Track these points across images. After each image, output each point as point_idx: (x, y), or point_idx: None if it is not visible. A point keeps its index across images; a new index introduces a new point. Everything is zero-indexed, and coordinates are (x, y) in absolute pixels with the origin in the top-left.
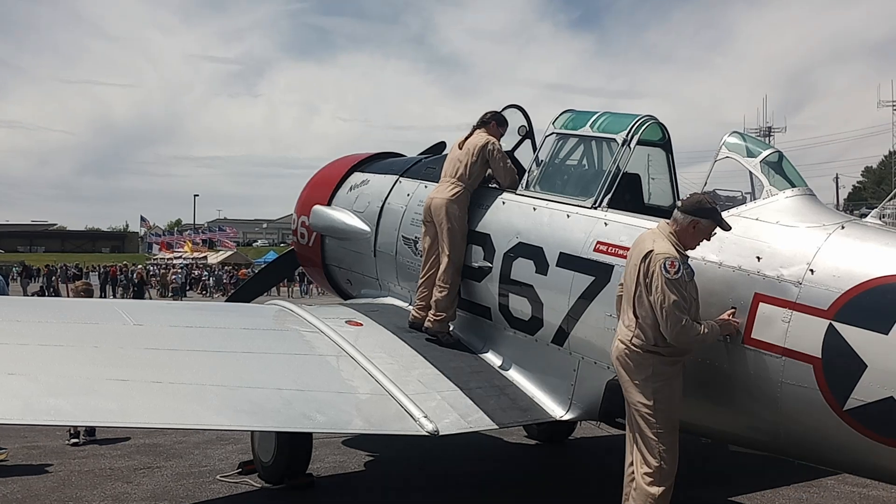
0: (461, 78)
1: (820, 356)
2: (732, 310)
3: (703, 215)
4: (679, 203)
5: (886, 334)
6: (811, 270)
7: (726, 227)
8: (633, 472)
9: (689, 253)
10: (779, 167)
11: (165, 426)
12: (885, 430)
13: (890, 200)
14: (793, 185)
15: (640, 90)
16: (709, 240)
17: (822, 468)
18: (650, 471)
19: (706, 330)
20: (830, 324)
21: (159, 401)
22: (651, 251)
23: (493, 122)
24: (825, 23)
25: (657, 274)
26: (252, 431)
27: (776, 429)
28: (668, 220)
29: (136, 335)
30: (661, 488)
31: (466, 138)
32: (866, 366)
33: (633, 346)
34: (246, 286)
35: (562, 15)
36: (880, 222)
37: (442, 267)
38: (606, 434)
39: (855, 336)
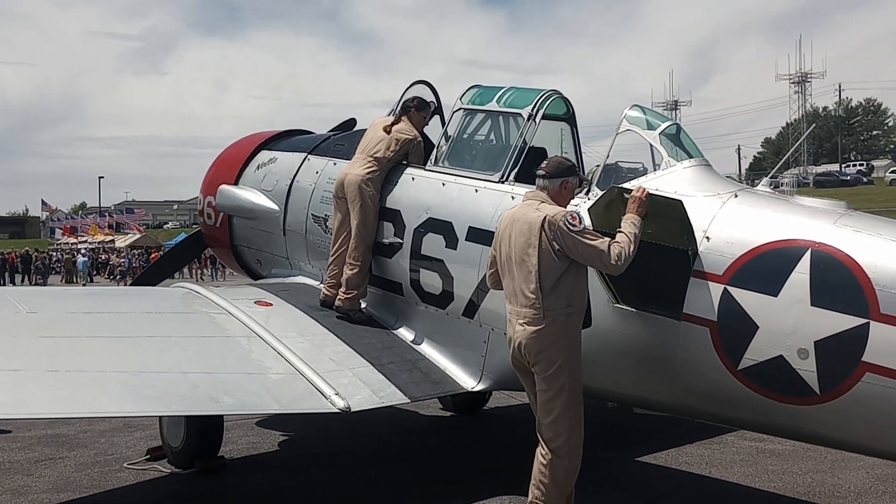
0: (375, 55)
1: (716, 319)
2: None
3: (570, 173)
4: (542, 172)
5: (776, 296)
6: (707, 238)
7: (585, 180)
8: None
9: None
10: (677, 139)
11: (63, 416)
12: (775, 386)
13: (786, 170)
14: (690, 156)
15: (553, 66)
16: (573, 197)
17: (721, 426)
18: (561, 444)
19: (633, 236)
20: (725, 288)
21: (56, 390)
22: (545, 217)
23: (413, 109)
24: None
25: (565, 233)
26: (160, 417)
27: (677, 390)
28: (531, 193)
29: (29, 323)
30: (577, 458)
31: (394, 123)
32: (758, 327)
33: (546, 321)
34: (151, 269)
35: None
36: (771, 190)
37: (353, 244)
38: (519, 403)
39: (747, 299)
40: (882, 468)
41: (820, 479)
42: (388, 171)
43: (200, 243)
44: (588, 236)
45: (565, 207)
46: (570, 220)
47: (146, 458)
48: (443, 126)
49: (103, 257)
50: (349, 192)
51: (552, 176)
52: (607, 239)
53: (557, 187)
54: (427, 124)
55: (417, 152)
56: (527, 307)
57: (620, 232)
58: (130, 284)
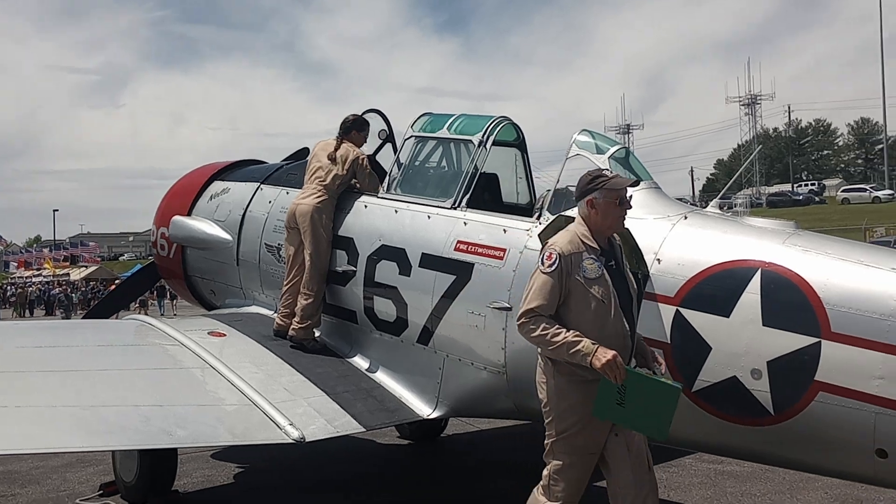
0: (331, 84)
1: (669, 341)
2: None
3: (590, 190)
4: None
5: (728, 317)
6: (658, 260)
7: (629, 183)
8: None
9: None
10: (626, 162)
11: (14, 452)
12: (730, 408)
13: (740, 191)
14: (640, 179)
15: (506, 92)
16: (629, 207)
17: (679, 448)
18: None
19: (551, 337)
20: (677, 310)
21: (6, 426)
22: (544, 246)
23: (354, 131)
24: (676, 23)
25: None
26: (112, 451)
27: None
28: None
29: None
30: None
31: (336, 148)
32: (711, 348)
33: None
34: (104, 302)
35: (428, 20)
36: (720, 211)
37: (307, 274)
38: (476, 430)
39: (700, 320)
40: (840, 488)
41: (779, 500)
42: (340, 199)
43: (154, 275)
44: (539, 279)
45: (611, 227)
46: (546, 257)
47: (99, 494)
48: (395, 154)
49: (57, 290)
50: (301, 221)
51: (577, 198)
52: (545, 304)
53: (586, 209)
54: (366, 142)
55: (363, 171)
56: None
57: (562, 330)
58: (83, 317)
